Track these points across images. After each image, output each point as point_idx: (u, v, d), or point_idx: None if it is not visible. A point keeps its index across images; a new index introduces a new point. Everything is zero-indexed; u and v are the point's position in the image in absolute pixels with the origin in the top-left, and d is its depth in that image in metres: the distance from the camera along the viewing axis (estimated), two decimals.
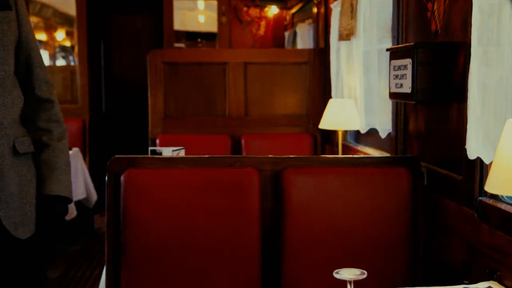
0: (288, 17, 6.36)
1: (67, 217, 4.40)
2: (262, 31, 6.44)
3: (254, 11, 6.41)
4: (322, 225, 2.14)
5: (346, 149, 3.68)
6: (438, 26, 2.15)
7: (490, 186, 1.42)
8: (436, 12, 2.16)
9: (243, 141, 4.16)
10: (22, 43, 1.75)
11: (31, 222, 1.73)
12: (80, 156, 4.94)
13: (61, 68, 6.46)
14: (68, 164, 1.83)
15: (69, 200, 1.80)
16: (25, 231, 1.70)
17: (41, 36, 6.47)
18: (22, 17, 1.74)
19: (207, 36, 6.67)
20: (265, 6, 6.35)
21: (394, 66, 2.33)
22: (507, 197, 1.79)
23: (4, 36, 1.67)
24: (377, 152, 3.18)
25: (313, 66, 4.42)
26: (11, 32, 1.69)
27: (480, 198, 1.88)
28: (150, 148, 3.69)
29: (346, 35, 3.50)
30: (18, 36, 1.73)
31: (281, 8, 6.36)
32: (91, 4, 6.27)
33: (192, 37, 6.73)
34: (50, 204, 1.75)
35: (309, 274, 2.12)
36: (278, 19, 6.51)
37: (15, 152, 1.69)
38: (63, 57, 6.58)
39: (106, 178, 2.07)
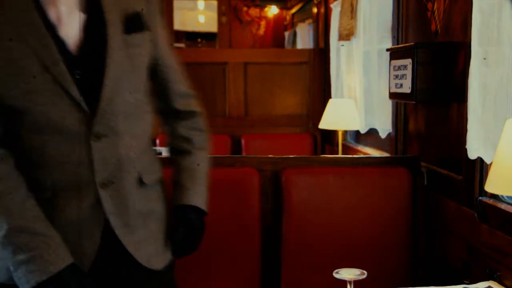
0: (288, 17, 6.37)
1: None
2: (262, 31, 6.45)
3: (254, 11, 6.41)
4: (322, 225, 2.14)
5: (346, 149, 3.69)
6: (438, 26, 2.15)
7: (490, 186, 1.42)
8: (436, 12, 2.16)
9: (243, 141, 4.16)
10: (159, 63, 1.55)
11: (166, 249, 1.52)
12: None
13: None
14: (208, 175, 1.63)
15: (205, 213, 1.59)
16: (159, 261, 1.50)
17: None
18: (159, 35, 1.52)
19: (207, 36, 6.68)
20: (265, 6, 6.36)
21: (394, 66, 2.33)
22: (507, 197, 1.79)
23: (136, 61, 1.45)
24: (377, 152, 3.18)
25: (313, 66, 4.42)
26: (145, 55, 1.48)
27: (480, 198, 1.88)
28: None
29: (346, 35, 3.50)
30: (154, 56, 1.52)
31: (281, 8, 6.36)
32: None
33: (192, 37, 6.74)
34: (187, 215, 1.54)
35: (309, 274, 2.12)
36: (278, 19, 6.51)
37: (142, 184, 1.49)
38: None
39: None
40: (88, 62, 1.36)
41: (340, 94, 3.92)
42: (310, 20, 5.17)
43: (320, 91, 4.44)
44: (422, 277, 2.13)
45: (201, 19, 6.70)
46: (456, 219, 2.02)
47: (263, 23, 6.45)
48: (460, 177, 2.00)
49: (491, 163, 1.69)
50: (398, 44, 2.56)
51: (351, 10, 3.38)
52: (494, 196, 1.84)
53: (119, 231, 1.41)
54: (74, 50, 1.34)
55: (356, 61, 3.40)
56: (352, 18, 3.37)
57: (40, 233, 1.30)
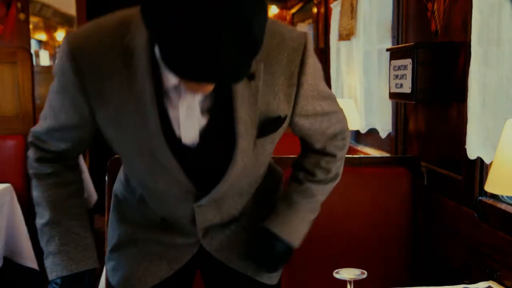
0: (288, 17, 6.36)
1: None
2: None
3: None
4: (322, 225, 2.14)
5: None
6: (438, 26, 2.15)
7: (490, 186, 1.42)
8: (436, 12, 2.16)
9: None
10: (296, 128, 1.38)
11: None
12: (80, 156, 4.94)
13: None
14: (312, 215, 1.52)
15: (292, 250, 1.49)
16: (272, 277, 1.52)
17: (41, 36, 6.47)
18: (300, 113, 1.31)
19: None
20: None
21: (394, 66, 2.33)
22: (507, 197, 1.79)
23: (262, 157, 1.35)
24: (377, 152, 3.18)
25: None
26: (275, 142, 1.35)
27: (480, 198, 1.88)
28: None
29: (346, 35, 3.50)
30: (292, 124, 1.35)
31: (281, 8, 6.36)
32: (91, 4, 6.27)
33: None
34: (271, 243, 1.45)
35: (309, 273, 2.12)
36: (278, 19, 6.51)
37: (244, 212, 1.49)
38: None
39: (106, 178, 2.07)
40: (204, 164, 1.30)
41: (340, 94, 3.92)
42: (310, 20, 5.16)
43: None
44: (422, 277, 2.13)
45: None
46: (456, 219, 2.01)
47: None
48: (460, 177, 2.00)
49: (491, 163, 1.69)
50: (398, 44, 2.56)
51: (351, 10, 3.38)
52: (494, 196, 1.84)
53: (220, 257, 1.47)
54: (191, 145, 1.26)
55: (356, 61, 3.40)
56: (352, 18, 3.36)
57: (75, 231, 1.37)
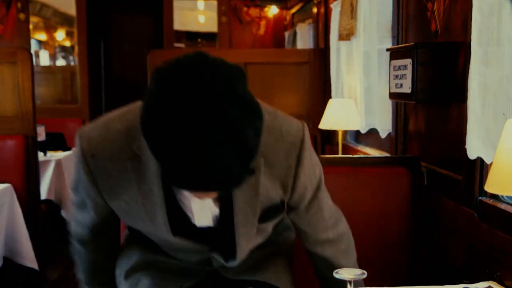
0: (288, 17, 6.36)
1: (67, 217, 4.41)
2: (262, 31, 6.44)
3: (254, 11, 6.41)
4: None
5: (346, 149, 3.68)
6: (438, 26, 2.15)
7: (490, 186, 1.42)
8: (436, 12, 2.16)
9: None
10: (299, 215, 1.47)
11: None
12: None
13: (61, 68, 6.46)
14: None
15: None
16: None
17: (41, 36, 6.47)
18: (299, 199, 1.42)
19: (207, 36, 6.67)
20: (265, 6, 6.35)
21: (394, 66, 2.33)
22: (507, 197, 1.79)
23: (267, 232, 1.47)
24: (377, 152, 3.18)
25: (313, 66, 4.42)
26: (276, 222, 1.48)
27: (480, 198, 1.88)
28: None
29: (346, 35, 3.50)
30: (293, 211, 1.46)
31: (281, 8, 6.36)
32: (91, 4, 6.27)
33: (192, 37, 6.73)
34: None
35: (309, 273, 2.12)
36: (278, 19, 6.50)
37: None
38: (63, 57, 6.58)
39: None
40: (217, 241, 1.42)
41: (340, 94, 3.92)
42: (310, 20, 5.17)
43: (320, 91, 4.44)
44: (422, 277, 2.13)
45: (201, 19, 6.69)
46: (456, 219, 2.01)
47: (263, 23, 6.44)
48: (460, 177, 2.00)
49: (491, 163, 1.69)
50: (398, 44, 2.56)
51: (351, 10, 3.38)
52: (494, 196, 1.83)
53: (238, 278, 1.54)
54: (206, 232, 1.39)
55: (356, 61, 3.40)
56: (352, 18, 3.37)
57: None
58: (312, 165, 1.39)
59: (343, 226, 1.59)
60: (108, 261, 1.59)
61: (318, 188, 1.45)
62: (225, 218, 1.35)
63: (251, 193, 1.30)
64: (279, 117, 1.38)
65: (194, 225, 1.36)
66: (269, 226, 1.45)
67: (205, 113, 0.98)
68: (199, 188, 1.08)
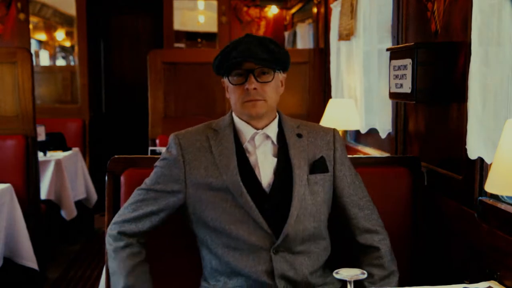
0: (288, 17, 6.36)
1: (67, 217, 4.41)
2: (262, 31, 6.44)
3: (254, 11, 6.41)
4: None
5: (346, 149, 3.68)
6: (438, 26, 2.15)
7: (490, 186, 1.42)
8: (436, 12, 2.16)
9: None
10: (341, 200, 1.83)
11: None
12: (80, 156, 4.94)
13: (61, 68, 6.46)
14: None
15: None
16: None
17: (41, 36, 6.48)
18: (340, 177, 1.82)
19: (207, 36, 6.67)
20: (265, 6, 6.35)
21: (394, 66, 2.33)
22: (507, 197, 1.79)
23: (317, 196, 1.77)
24: (377, 152, 3.18)
25: (313, 66, 4.42)
26: (325, 192, 1.79)
27: (480, 198, 1.88)
28: (150, 148, 3.69)
29: (346, 35, 3.50)
30: (336, 193, 1.83)
31: (281, 8, 6.36)
32: (91, 4, 6.27)
33: (192, 37, 6.73)
34: None
35: None
36: (278, 19, 6.50)
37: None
38: (63, 57, 6.58)
39: (106, 178, 2.07)
40: (277, 197, 1.73)
41: (340, 94, 3.92)
42: (310, 20, 5.16)
43: (320, 91, 4.44)
44: (422, 277, 2.13)
45: (201, 19, 6.69)
46: (456, 219, 2.02)
47: (263, 23, 6.44)
48: (460, 177, 2.00)
49: (491, 163, 1.69)
50: (398, 44, 2.56)
51: (351, 10, 3.38)
52: (494, 196, 1.83)
53: None
54: (267, 188, 1.73)
55: (356, 61, 3.39)
56: (352, 18, 3.37)
57: None
58: (345, 149, 1.87)
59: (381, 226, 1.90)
60: (143, 266, 1.78)
61: (354, 172, 1.86)
62: (283, 171, 1.74)
63: (300, 149, 1.77)
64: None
65: (257, 184, 1.72)
66: (316, 189, 1.76)
67: (250, 35, 1.77)
68: (237, 56, 1.68)
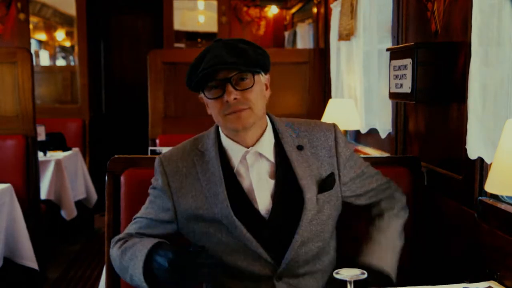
0: (288, 17, 6.36)
1: (67, 217, 4.41)
2: (262, 31, 6.45)
3: (254, 11, 6.41)
4: None
5: None
6: (438, 26, 2.15)
7: (490, 186, 1.42)
8: (436, 12, 2.16)
9: None
10: (347, 195, 1.73)
11: None
12: (80, 156, 4.95)
13: (61, 68, 6.46)
14: (397, 240, 1.75)
15: (391, 281, 1.65)
16: None
17: (41, 36, 6.47)
18: (347, 177, 1.70)
19: (207, 36, 6.67)
20: (265, 6, 6.35)
21: (394, 66, 2.33)
22: (507, 197, 1.79)
23: (325, 215, 1.64)
24: (377, 152, 3.18)
25: (313, 66, 4.42)
26: (333, 208, 1.67)
27: (480, 198, 1.88)
28: (150, 148, 3.69)
29: (346, 35, 3.50)
30: (344, 195, 1.72)
31: (281, 8, 6.36)
32: (91, 4, 6.27)
33: (192, 37, 6.73)
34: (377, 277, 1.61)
35: None
36: (278, 19, 6.50)
37: None
38: (63, 57, 6.58)
39: (106, 178, 2.07)
40: (277, 223, 1.57)
41: (340, 94, 3.92)
42: (310, 20, 5.16)
43: (320, 91, 4.44)
44: (422, 277, 2.13)
45: (201, 19, 6.69)
46: (456, 219, 2.01)
47: (263, 23, 6.44)
48: (460, 177, 2.00)
49: (491, 163, 1.69)
50: (398, 44, 2.56)
51: (351, 10, 3.38)
52: (494, 196, 1.83)
53: None
54: (265, 214, 1.57)
55: (356, 61, 3.39)
56: (352, 18, 3.36)
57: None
58: (347, 147, 1.70)
59: (398, 194, 1.82)
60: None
61: (362, 164, 1.74)
62: (282, 193, 1.57)
63: (305, 164, 1.59)
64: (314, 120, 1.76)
65: (253, 212, 1.56)
66: (325, 208, 1.61)
67: (219, 40, 1.57)
68: (217, 63, 1.49)
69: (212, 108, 1.57)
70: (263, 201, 1.57)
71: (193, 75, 1.53)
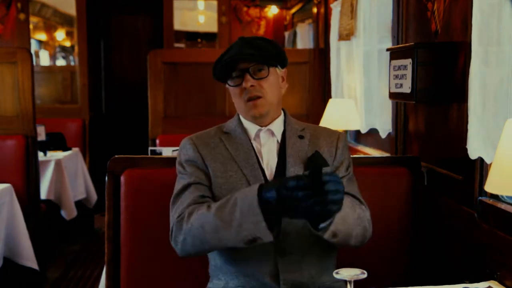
0: (288, 17, 6.36)
1: (67, 217, 4.41)
2: (262, 31, 6.44)
3: (254, 11, 6.41)
4: None
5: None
6: (438, 26, 2.15)
7: (490, 186, 1.42)
8: (436, 12, 2.16)
9: None
10: None
11: None
12: (80, 156, 4.95)
13: (61, 68, 6.46)
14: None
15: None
16: None
17: (41, 36, 6.48)
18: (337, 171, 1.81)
19: (207, 36, 6.67)
20: (265, 6, 6.35)
21: (394, 66, 2.33)
22: (507, 197, 1.79)
23: None
24: (377, 152, 3.18)
25: (313, 66, 4.42)
26: None
27: (480, 198, 1.88)
28: (150, 148, 3.69)
29: (346, 35, 3.50)
30: None
31: (281, 8, 6.36)
32: (91, 4, 6.27)
33: (192, 37, 6.73)
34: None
35: None
36: (278, 19, 6.50)
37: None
38: (63, 57, 6.58)
39: (106, 178, 2.07)
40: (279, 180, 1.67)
41: (340, 94, 3.92)
42: (310, 20, 5.16)
43: (320, 91, 4.44)
44: (422, 277, 2.13)
45: (201, 19, 6.69)
46: (456, 219, 2.02)
47: (263, 23, 6.44)
48: (460, 177, 2.00)
49: (491, 163, 1.69)
50: (398, 44, 2.56)
51: (351, 10, 3.38)
52: (494, 196, 1.83)
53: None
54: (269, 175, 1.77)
55: (356, 61, 3.39)
56: (352, 18, 3.37)
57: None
58: (347, 151, 1.86)
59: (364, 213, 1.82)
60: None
61: (350, 171, 1.84)
62: (281, 170, 1.76)
63: (299, 149, 1.79)
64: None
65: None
66: None
67: (241, 38, 1.81)
68: (239, 55, 1.73)
69: (234, 95, 1.81)
70: (269, 175, 1.77)
71: (218, 66, 1.79)
